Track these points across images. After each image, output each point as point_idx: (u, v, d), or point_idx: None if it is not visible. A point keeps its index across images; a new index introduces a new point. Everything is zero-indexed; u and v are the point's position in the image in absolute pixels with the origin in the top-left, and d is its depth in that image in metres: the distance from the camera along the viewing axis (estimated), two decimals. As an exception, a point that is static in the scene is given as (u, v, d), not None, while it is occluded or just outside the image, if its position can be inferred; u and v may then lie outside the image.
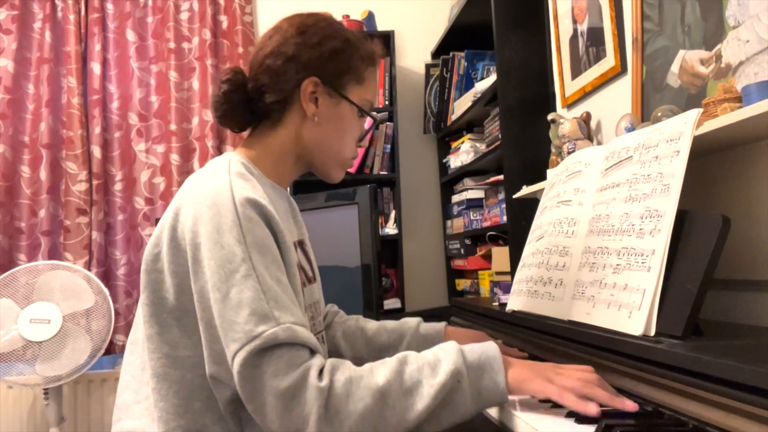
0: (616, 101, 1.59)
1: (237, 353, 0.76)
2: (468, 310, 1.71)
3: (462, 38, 2.72)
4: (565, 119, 1.64)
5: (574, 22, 1.80)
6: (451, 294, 2.92)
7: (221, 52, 2.95)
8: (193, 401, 0.86)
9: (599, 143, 1.67)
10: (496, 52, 2.12)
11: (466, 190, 2.66)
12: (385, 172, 2.86)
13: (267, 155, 0.99)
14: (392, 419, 0.75)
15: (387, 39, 2.87)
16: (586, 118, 1.64)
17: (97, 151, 2.78)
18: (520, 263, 1.32)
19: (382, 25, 3.02)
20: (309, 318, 1.01)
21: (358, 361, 1.14)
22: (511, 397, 0.80)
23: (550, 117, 1.67)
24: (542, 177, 1.64)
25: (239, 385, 0.77)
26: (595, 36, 1.67)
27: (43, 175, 2.75)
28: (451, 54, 2.71)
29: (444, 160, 2.95)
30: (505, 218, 2.20)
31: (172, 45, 2.87)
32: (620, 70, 1.54)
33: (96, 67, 2.81)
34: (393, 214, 2.88)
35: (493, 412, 0.87)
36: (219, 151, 2.89)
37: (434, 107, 2.90)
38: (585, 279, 1.03)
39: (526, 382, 0.79)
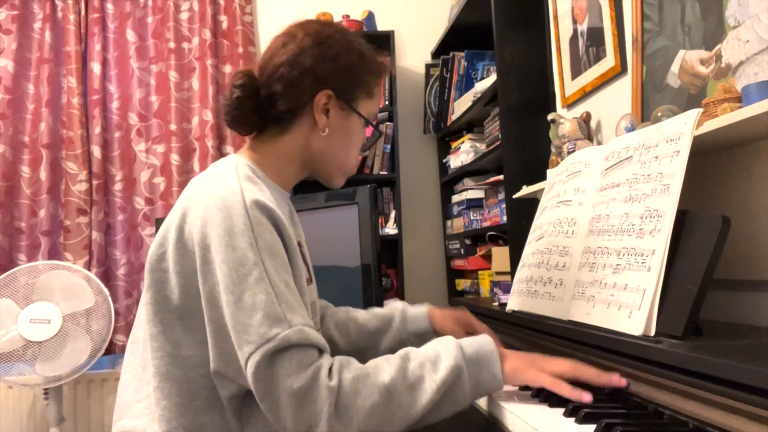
0: (616, 101, 1.59)
1: (251, 355, 0.78)
2: (468, 311, 1.71)
3: (462, 38, 2.72)
4: (565, 119, 1.64)
5: (574, 22, 1.80)
6: (451, 294, 2.92)
7: (221, 52, 2.95)
8: (194, 400, 0.87)
9: (599, 143, 1.67)
10: (496, 52, 2.12)
11: (466, 190, 2.66)
12: (385, 172, 2.86)
13: (272, 159, 1.00)
14: (398, 414, 0.79)
15: (387, 39, 2.87)
16: (586, 118, 1.64)
17: (97, 151, 2.78)
18: (520, 263, 1.32)
19: (382, 25, 3.02)
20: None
21: (354, 349, 1.16)
22: (507, 388, 0.86)
23: (550, 117, 1.67)
24: (542, 177, 1.64)
25: (254, 386, 0.79)
26: (595, 36, 1.67)
27: (43, 175, 2.75)
28: (451, 54, 2.71)
29: (444, 160, 2.95)
30: (505, 218, 2.20)
31: (172, 45, 2.87)
32: (620, 70, 1.54)
33: (96, 67, 2.81)
34: (393, 214, 2.88)
35: (492, 411, 0.87)
36: (219, 151, 2.89)
37: (434, 107, 2.90)
38: (585, 279, 1.03)
39: (520, 372, 0.84)
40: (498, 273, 1.92)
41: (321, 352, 0.82)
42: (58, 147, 2.80)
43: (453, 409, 0.82)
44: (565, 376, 0.82)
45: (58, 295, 2.27)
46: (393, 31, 2.91)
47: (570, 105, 1.85)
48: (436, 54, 2.97)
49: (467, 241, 2.69)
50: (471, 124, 2.66)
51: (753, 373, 0.61)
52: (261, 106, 0.99)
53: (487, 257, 2.39)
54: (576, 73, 1.79)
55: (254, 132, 1.02)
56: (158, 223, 2.43)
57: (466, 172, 2.67)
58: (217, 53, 2.93)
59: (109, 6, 2.87)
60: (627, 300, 0.89)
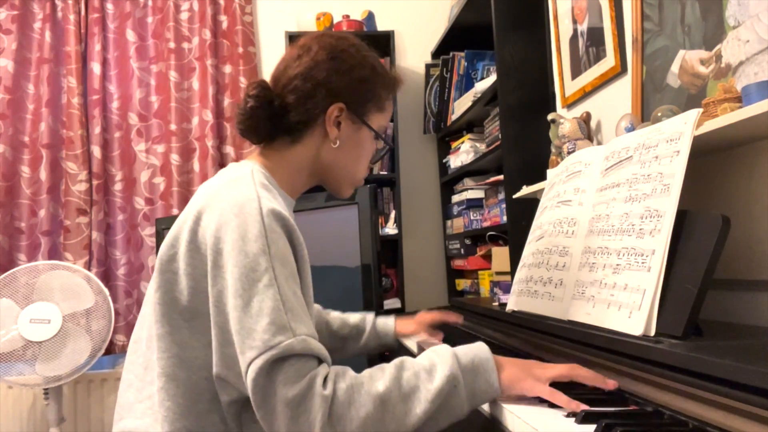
0: (616, 101, 1.59)
1: (253, 361, 0.78)
2: (468, 310, 1.71)
3: (462, 38, 2.72)
4: (565, 119, 1.64)
5: (574, 22, 1.80)
6: (451, 294, 2.92)
7: (221, 52, 2.95)
8: (198, 403, 0.87)
9: (599, 143, 1.67)
10: (496, 52, 2.12)
11: (466, 190, 2.66)
12: (385, 172, 2.86)
13: (283, 168, 1.02)
14: (392, 424, 0.78)
15: (387, 39, 2.87)
16: (586, 118, 1.64)
17: (97, 151, 2.78)
18: (520, 263, 1.32)
19: (382, 25, 3.02)
20: None
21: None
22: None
23: (550, 117, 1.67)
24: (542, 177, 1.64)
25: (251, 392, 0.79)
26: (595, 36, 1.67)
27: (43, 175, 2.75)
28: (451, 54, 2.71)
29: (444, 160, 2.95)
30: (505, 218, 2.20)
31: (172, 45, 2.87)
32: (620, 70, 1.54)
33: (96, 67, 2.81)
34: (393, 214, 2.88)
35: (492, 411, 0.87)
36: (219, 151, 2.89)
37: (434, 107, 2.90)
38: (585, 279, 1.03)
39: (518, 381, 0.83)
40: (498, 273, 1.92)
41: (321, 362, 0.82)
42: (58, 147, 2.80)
43: (450, 419, 0.80)
44: (562, 380, 0.82)
45: (58, 295, 2.27)
46: (393, 31, 2.91)
47: (570, 105, 1.85)
48: (436, 54, 2.97)
49: (467, 241, 2.69)
50: (471, 124, 2.66)
51: (753, 373, 0.61)
52: (273, 116, 1.00)
53: (487, 257, 2.39)
54: (576, 73, 1.79)
55: (265, 141, 1.04)
56: (158, 223, 2.43)
57: (466, 172, 2.67)
58: (217, 53, 2.93)
59: (109, 6, 2.87)
60: (627, 300, 0.89)
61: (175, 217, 2.22)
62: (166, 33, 2.88)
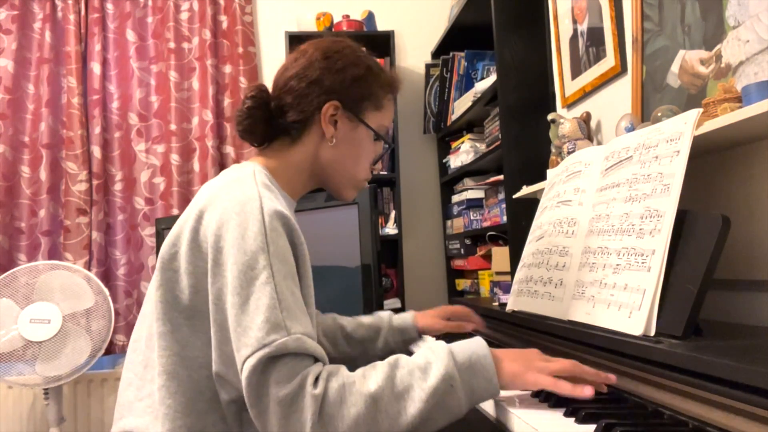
0: (616, 101, 1.59)
1: (247, 359, 0.78)
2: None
3: (462, 38, 2.72)
4: (565, 119, 1.64)
5: (574, 22, 1.80)
6: (451, 294, 2.92)
7: (221, 52, 2.95)
8: (199, 401, 0.88)
9: (599, 143, 1.67)
10: (496, 52, 2.12)
11: (466, 190, 2.66)
12: (385, 172, 2.85)
13: (283, 169, 1.03)
14: (384, 423, 0.77)
15: (387, 39, 2.87)
16: (586, 118, 1.64)
17: (97, 151, 2.78)
18: (520, 263, 1.32)
19: (382, 25, 3.01)
20: None
21: (344, 357, 1.18)
22: (506, 393, 0.83)
23: (550, 117, 1.67)
24: (542, 177, 1.64)
25: (245, 390, 0.79)
26: (595, 36, 1.67)
27: (43, 175, 2.75)
28: (451, 54, 2.71)
29: (444, 160, 2.95)
30: (505, 218, 2.20)
31: (172, 45, 2.87)
32: (620, 70, 1.54)
33: (96, 67, 2.81)
34: (393, 214, 2.88)
35: (491, 410, 0.87)
36: (219, 151, 2.89)
37: (434, 107, 2.90)
38: (585, 279, 1.03)
39: (518, 376, 0.82)
40: (498, 273, 1.92)
41: (316, 361, 0.81)
42: (58, 147, 2.80)
43: (447, 418, 0.79)
44: (564, 375, 0.81)
45: (58, 295, 2.27)
46: (393, 31, 2.91)
47: (570, 105, 1.85)
48: (436, 54, 2.97)
49: (467, 241, 2.69)
50: (471, 124, 2.66)
51: (753, 373, 0.61)
52: (271, 117, 1.02)
53: (487, 257, 2.39)
54: (576, 73, 1.79)
55: (265, 143, 1.05)
56: (158, 223, 2.43)
57: (466, 172, 2.67)
58: (217, 53, 2.93)
59: (109, 6, 2.87)
60: (627, 300, 0.89)
61: (175, 217, 2.22)
62: (166, 33, 2.88)
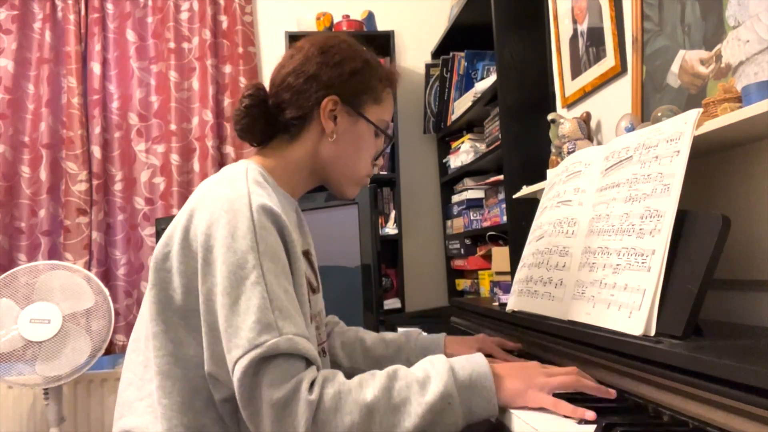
0: (616, 101, 1.59)
1: (239, 360, 0.77)
2: (468, 310, 1.71)
3: (462, 38, 2.72)
4: (565, 119, 1.64)
5: (574, 22, 1.80)
6: (451, 294, 2.92)
7: (221, 52, 2.95)
8: (195, 400, 0.87)
9: (599, 143, 1.67)
10: (496, 52, 2.12)
11: (466, 190, 2.66)
12: (385, 172, 2.85)
13: (282, 167, 1.01)
14: None
15: (387, 39, 2.87)
16: (586, 118, 1.64)
17: (97, 151, 2.78)
18: (520, 263, 1.32)
19: (382, 25, 3.01)
20: (315, 327, 1.02)
21: (356, 372, 1.15)
22: None
23: (550, 117, 1.67)
24: (542, 177, 1.64)
25: (237, 392, 0.78)
26: (595, 36, 1.67)
27: (43, 175, 2.75)
28: (451, 54, 2.71)
29: (444, 160, 2.95)
30: (505, 218, 2.20)
31: (172, 45, 2.87)
32: (620, 70, 1.54)
33: (96, 67, 2.81)
34: (393, 214, 2.88)
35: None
36: (219, 151, 2.89)
37: (434, 107, 2.90)
38: (585, 279, 1.03)
39: (519, 395, 0.81)
40: (498, 273, 1.92)
41: (309, 363, 0.81)
42: (58, 147, 2.80)
43: None
44: (565, 390, 0.81)
45: (58, 295, 2.27)
46: (393, 31, 2.91)
47: (570, 105, 1.85)
48: (436, 54, 2.97)
49: (467, 241, 2.69)
50: (471, 124, 2.66)
51: (753, 373, 0.61)
52: (269, 115, 1.01)
53: (487, 257, 2.39)
54: (576, 73, 1.79)
55: (264, 142, 1.04)
56: (158, 223, 2.43)
57: (466, 172, 2.67)
58: (217, 53, 2.93)
59: (109, 6, 2.87)
60: (627, 300, 0.89)
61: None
62: (166, 33, 2.88)
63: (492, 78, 2.27)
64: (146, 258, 2.80)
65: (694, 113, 0.91)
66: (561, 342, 1.02)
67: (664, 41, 1.36)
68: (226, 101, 2.92)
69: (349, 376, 0.83)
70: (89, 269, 2.69)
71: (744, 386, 0.62)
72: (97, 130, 2.78)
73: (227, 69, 2.93)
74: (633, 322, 0.86)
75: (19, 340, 2.19)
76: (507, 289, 1.51)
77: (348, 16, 2.88)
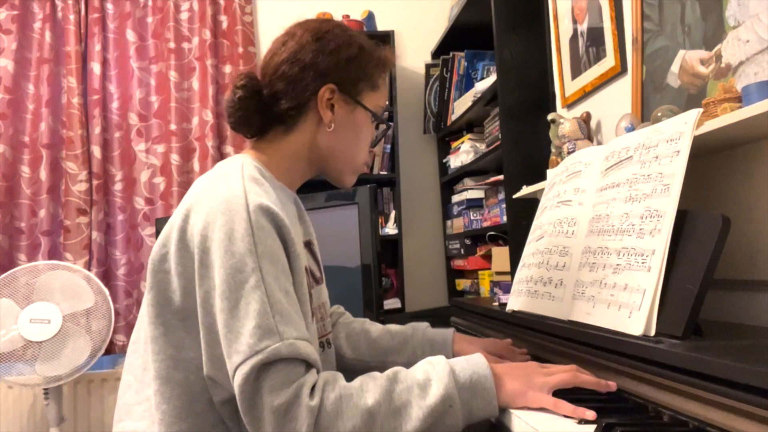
0: (616, 101, 1.59)
1: (239, 366, 0.76)
2: (468, 311, 1.71)
3: (462, 38, 2.72)
4: (565, 119, 1.64)
5: (574, 22, 1.80)
6: (451, 294, 2.92)
7: (221, 52, 2.95)
8: (196, 404, 0.86)
9: (599, 143, 1.67)
10: (496, 52, 2.12)
11: (466, 190, 2.66)
12: (385, 172, 2.86)
13: (279, 159, 0.99)
14: None
15: (387, 39, 2.87)
16: (586, 118, 1.64)
17: (97, 151, 2.78)
18: (520, 263, 1.32)
19: (382, 25, 3.02)
20: (318, 319, 1.01)
21: (360, 364, 1.12)
22: None
23: (550, 117, 1.67)
24: (542, 177, 1.64)
25: (238, 398, 0.77)
26: (595, 36, 1.67)
27: (43, 175, 2.75)
28: (451, 54, 2.71)
29: (444, 160, 2.95)
30: (505, 218, 2.20)
31: (172, 45, 2.87)
32: (620, 70, 1.54)
33: (96, 67, 2.81)
34: (393, 214, 2.88)
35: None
36: (219, 151, 2.89)
37: (434, 107, 2.90)
38: (585, 279, 1.03)
39: (519, 396, 0.81)
40: (498, 273, 1.92)
41: (309, 367, 0.79)
42: (58, 147, 2.80)
43: None
44: (565, 387, 0.81)
45: (58, 295, 2.27)
46: (393, 31, 2.91)
47: (570, 105, 1.85)
48: (436, 54, 2.97)
49: (467, 241, 2.69)
50: (471, 124, 2.66)
51: (753, 373, 0.61)
52: (264, 106, 0.97)
53: (487, 257, 2.39)
54: (576, 73, 1.79)
55: (259, 134, 1.01)
56: (158, 223, 2.43)
57: (466, 172, 2.67)
58: (217, 53, 2.93)
59: (109, 6, 2.87)
60: (627, 300, 0.89)
61: (175, 217, 2.22)
62: (166, 33, 2.88)
63: (492, 78, 2.27)
64: (146, 258, 2.80)
65: (694, 113, 0.91)
66: (561, 342, 1.02)
67: (664, 41, 1.36)
68: (226, 101, 2.92)
69: (353, 367, 0.82)
70: (89, 269, 2.69)
71: (744, 386, 0.62)
72: (97, 130, 2.78)
73: (227, 69, 2.93)
74: (633, 322, 0.86)
75: (19, 340, 2.19)
76: (507, 289, 1.51)
77: (348, 16, 2.88)
